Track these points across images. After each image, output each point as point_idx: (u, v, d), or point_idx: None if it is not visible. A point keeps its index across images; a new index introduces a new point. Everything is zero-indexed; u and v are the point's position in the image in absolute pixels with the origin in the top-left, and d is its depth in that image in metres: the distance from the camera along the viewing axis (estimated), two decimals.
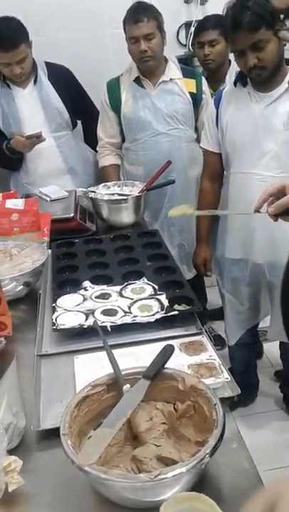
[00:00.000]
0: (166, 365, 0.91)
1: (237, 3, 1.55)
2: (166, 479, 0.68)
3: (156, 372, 0.88)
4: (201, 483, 0.75)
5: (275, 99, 1.66)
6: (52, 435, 0.85)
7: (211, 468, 0.79)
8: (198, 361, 1.02)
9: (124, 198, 1.87)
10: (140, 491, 0.70)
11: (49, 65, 2.29)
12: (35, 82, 2.24)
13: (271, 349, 2.42)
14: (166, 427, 0.85)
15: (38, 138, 2.15)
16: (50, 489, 0.80)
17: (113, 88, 2.25)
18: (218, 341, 2.44)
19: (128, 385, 0.87)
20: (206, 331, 1.15)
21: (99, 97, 2.32)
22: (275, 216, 1.01)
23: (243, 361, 2.16)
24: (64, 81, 2.31)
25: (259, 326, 2.16)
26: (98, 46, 2.60)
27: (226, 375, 0.97)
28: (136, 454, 0.80)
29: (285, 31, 1.54)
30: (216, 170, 1.95)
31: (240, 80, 1.74)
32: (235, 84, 1.77)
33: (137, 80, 2.20)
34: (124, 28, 2.09)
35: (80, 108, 2.38)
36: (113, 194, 1.94)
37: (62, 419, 0.79)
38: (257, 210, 1.06)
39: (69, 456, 0.73)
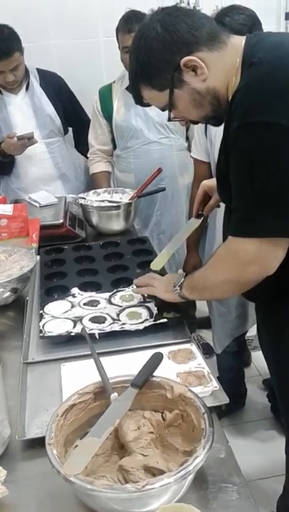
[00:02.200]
0: (154, 373, 0.90)
1: None
2: (154, 490, 0.67)
3: (145, 380, 0.87)
4: (189, 493, 0.75)
5: None
6: (37, 444, 0.84)
7: (198, 478, 0.78)
8: (186, 369, 1.01)
9: (115, 205, 1.86)
10: (127, 501, 0.69)
11: (41, 72, 2.29)
12: (27, 88, 2.24)
13: (259, 358, 2.41)
14: (154, 436, 0.84)
15: (29, 140, 2.13)
16: (35, 500, 0.79)
17: (105, 96, 2.25)
18: (206, 350, 2.43)
19: (116, 394, 0.86)
20: (194, 339, 1.15)
21: (90, 104, 2.31)
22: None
23: (231, 370, 2.16)
24: (56, 88, 2.31)
25: (247, 335, 2.16)
26: (90, 54, 2.61)
27: (214, 384, 0.96)
28: (123, 464, 0.78)
29: None
30: (205, 179, 1.95)
31: None
32: None
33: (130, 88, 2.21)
34: (117, 37, 2.09)
35: (71, 115, 2.38)
36: (103, 201, 1.93)
37: (47, 429, 0.78)
38: (198, 215, 1.41)
39: (54, 466, 0.71)
